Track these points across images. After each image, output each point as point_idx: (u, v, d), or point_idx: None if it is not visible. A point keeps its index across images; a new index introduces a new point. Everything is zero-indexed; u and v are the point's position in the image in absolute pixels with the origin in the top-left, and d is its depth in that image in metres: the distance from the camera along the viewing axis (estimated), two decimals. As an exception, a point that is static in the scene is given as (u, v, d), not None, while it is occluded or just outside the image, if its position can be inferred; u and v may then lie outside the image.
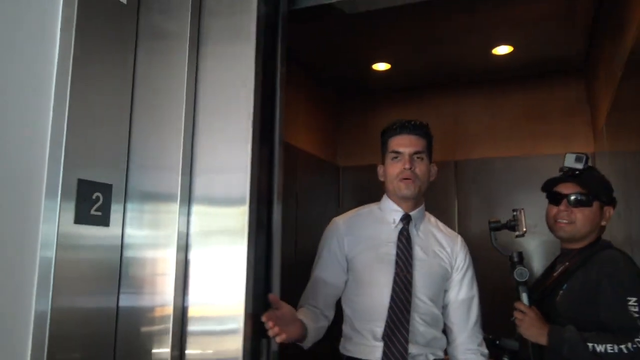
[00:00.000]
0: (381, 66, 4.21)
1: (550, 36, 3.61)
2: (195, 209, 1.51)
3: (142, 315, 1.49)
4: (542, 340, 1.71)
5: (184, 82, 1.53)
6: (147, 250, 1.52)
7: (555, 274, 1.90)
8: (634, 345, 1.56)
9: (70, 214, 1.31)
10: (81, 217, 1.33)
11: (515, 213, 1.93)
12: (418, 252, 1.80)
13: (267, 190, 1.64)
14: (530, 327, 1.74)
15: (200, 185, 1.52)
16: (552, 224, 1.93)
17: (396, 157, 1.82)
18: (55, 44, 1.36)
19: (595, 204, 1.84)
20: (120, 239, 1.46)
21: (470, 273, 1.88)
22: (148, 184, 1.53)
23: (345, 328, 1.83)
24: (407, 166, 1.79)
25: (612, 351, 1.57)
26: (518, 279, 1.84)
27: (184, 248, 1.47)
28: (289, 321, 1.49)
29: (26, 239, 1.29)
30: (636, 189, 2.30)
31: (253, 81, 1.52)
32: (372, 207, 1.93)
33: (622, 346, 1.57)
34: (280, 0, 1.72)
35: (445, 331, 1.86)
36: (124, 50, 1.52)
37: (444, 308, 1.86)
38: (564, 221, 1.86)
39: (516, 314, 1.81)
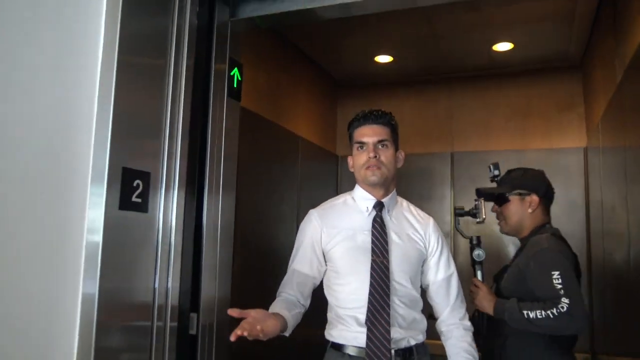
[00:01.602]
0: (383, 59, 4.26)
1: (550, 34, 3.70)
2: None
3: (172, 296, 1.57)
4: (490, 310, 1.99)
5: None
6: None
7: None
8: (558, 310, 1.83)
9: (115, 200, 1.36)
10: (125, 204, 1.39)
11: (476, 202, 2.16)
12: (393, 237, 1.86)
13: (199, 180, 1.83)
14: (482, 300, 2.02)
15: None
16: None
17: (361, 147, 1.88)
18: (100, 34, 1.40)
19: (514, 198, 2.12)
20: (157, 224, 1.52)
21: (445, 253, 1.95)
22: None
23: (330, 315, 1.89)
24: (372, 155, 1.83)
25: (540, 316, 1.84)
26: (476, 259, 2.14)
27: (167, 235, 1.60)
28: (262, 320, 1.57)
29: (73, 223, 1.35)
30: (634, 183, 2.40)
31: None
32: (346, 197, 1.97)
33: (549, 312, 1.84)
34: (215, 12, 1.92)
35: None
36: (166, 42, 1.57)
37: (426, 289, 1.94)
38: (500, 220, 2.18)
39: (471, 288, 2.08)
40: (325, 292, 1.92)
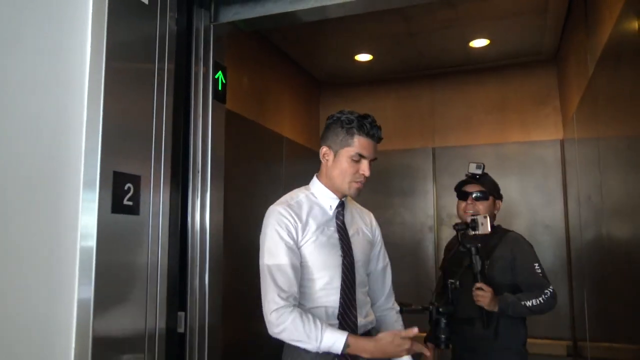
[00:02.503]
0: (363, 57, 4.32)
1: (525, 29, 3.79)
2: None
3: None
4: (495, 308, 2.29)
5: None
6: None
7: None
8: (545, 296, 2.28)
9: (107, 204, 1.39)
10: (117, 207, 1.42)
11: (475, 218, 2.36)
12: (352, 232, 1.92)
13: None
14: (490, 301, 2.28)
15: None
16: (461, 215, 2.54)
17: (357, 160, 1.83)
18: (87, 39, 1.42)
19: (490, 198, 2.49)
20: (148, 226, 1.55)
21: (383, 245, 2.10)
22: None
23: None
24: (368, 174, 1.84)
25: (536, 303, 2.27)
26: (478, 267, 2.34)
27: (157, 237, 1.64)
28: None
29: (66, 228, 1.37)
30: (607, 173, 2.49)
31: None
32: (305, 192, 1.93)
33: (539, 298, 2.27)
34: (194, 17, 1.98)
35: None
36: (150, 47, 1.60)
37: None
38: (470, 212, 2.48)
39: (478, 292, 2.30)
40: None
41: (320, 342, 1.67)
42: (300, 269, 1.80)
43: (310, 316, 1.71)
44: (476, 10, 3.51)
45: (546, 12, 3.51)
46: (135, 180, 1.50)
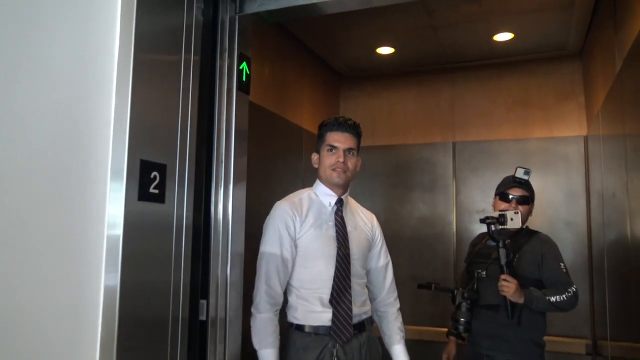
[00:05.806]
0: (385, 50, 4.30)
1: (550, 23, 3.73)
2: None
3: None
4: (520, 300, 2.39)
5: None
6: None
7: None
8: (569, 294, 2.39)
9: (134, 192, 1.41)
10: (143, 195, 1.44)
11: (504, 213, 2.48)
12: (350, 228, 2.14)
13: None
14: (515, 292, 2.38)
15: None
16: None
17: (331, 150, 2.11)
18: (116, 31, 1.44)
19: (531, 203, 2.61)
20: (173, 214, 1.57)
21: (384, 244, 2.32)
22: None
23: (291, 298, 2.09)
24: (341, 160, 2.09)
25: (560, 299, 2.37)
26: (505, 259, 2.44)
27: (182, 225, 1.66)
28: None
29: (93, 215, 1.40)
30: (635, 170, 2.45)
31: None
32: (308, 192, 2.19)
33: (563, 295, 2.38)
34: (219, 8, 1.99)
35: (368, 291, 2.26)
36: (176, 38, 1.61)
37: (367, 274, 2.25)
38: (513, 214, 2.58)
39: (503, 283, 2.40)
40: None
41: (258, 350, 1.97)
42: (290, 261, 2.04)
43: (271, 329, 1.98)
44: (501, 5, 3.47)
45: (572, 7, 3.45)
46: (162, 168, 1.52)
